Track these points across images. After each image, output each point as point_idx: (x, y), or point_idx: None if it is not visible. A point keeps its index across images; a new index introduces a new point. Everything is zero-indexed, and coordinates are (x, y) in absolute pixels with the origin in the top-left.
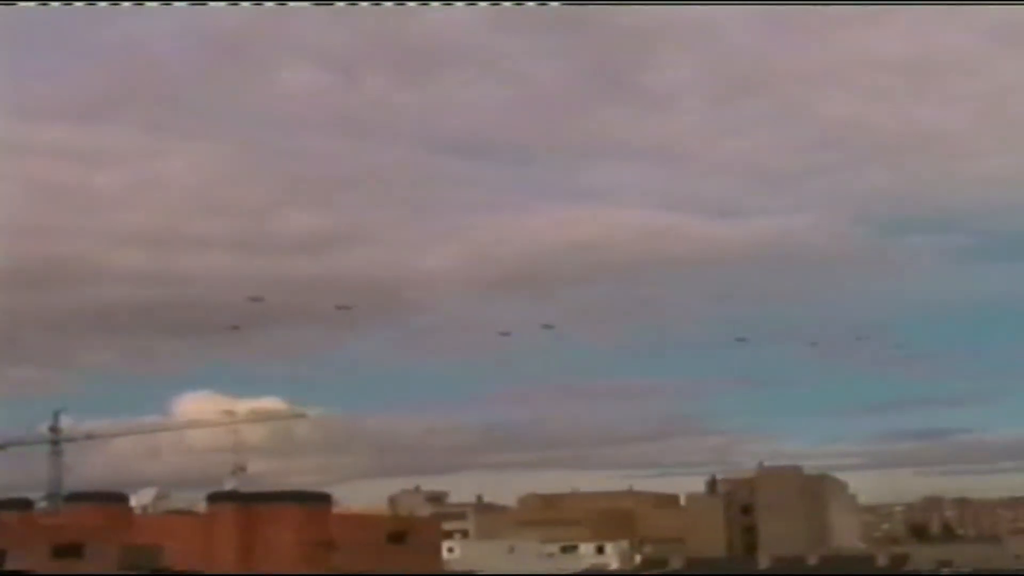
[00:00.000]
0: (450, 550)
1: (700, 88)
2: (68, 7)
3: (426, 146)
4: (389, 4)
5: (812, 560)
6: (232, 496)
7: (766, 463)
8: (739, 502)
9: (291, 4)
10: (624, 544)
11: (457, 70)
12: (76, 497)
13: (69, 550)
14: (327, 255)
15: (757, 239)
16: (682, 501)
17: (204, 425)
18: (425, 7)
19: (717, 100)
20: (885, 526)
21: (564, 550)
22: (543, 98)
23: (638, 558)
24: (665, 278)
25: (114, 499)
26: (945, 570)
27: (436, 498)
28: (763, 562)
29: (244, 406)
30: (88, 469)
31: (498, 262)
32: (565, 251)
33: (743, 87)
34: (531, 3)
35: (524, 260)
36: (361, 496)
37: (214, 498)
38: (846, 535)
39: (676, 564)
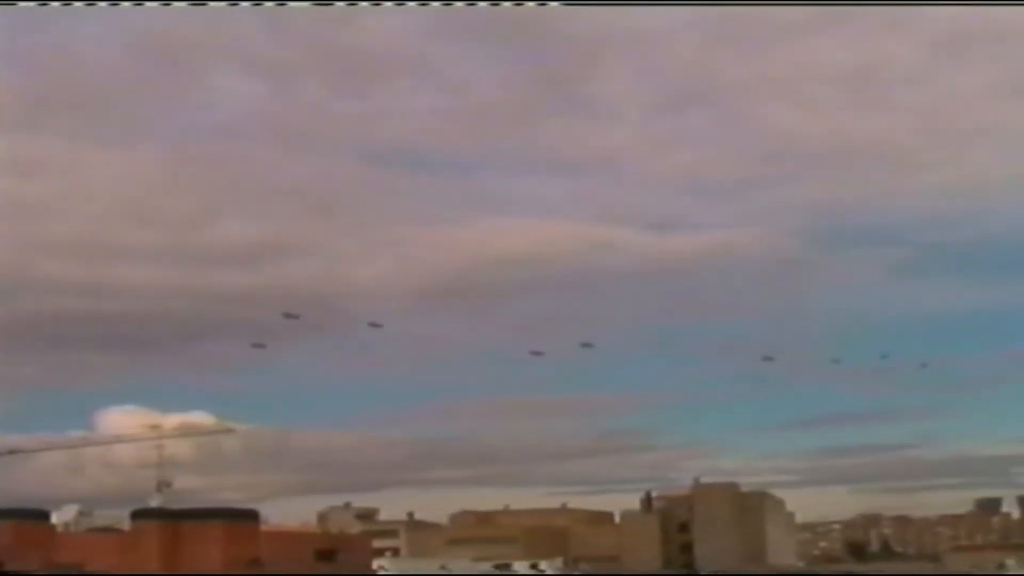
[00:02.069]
0: (381, 568)
1: (641, 98)
2: None
3: (362, 156)
4: (327, 7)
5: None
6: (157, 513)
7: (703, 479)
8: (675, 519)
9: (225, 7)
10: (558, 562)
11: (395, 79)
12: None
13: None
14: (260, 266)
15: (696, 252)
16: (617, 518)
17: (129, 440)
18: (360, 13)
19: (658, 110)
20: (823, 544)
21: (497, 568)
22: (482, 108)
23: None
24: (602, 291)
25: (35, 516)
26: None
27: (367, 515)
28: None
29: (171, 421)
30: (9, 485)
31: (434, 274)
32: (501, 263)
33: (685, 98)
34: (482, 3)
35: (460, 273)
36: (290, 513)
37: (138, 515)
38: (783, 553)
39: None
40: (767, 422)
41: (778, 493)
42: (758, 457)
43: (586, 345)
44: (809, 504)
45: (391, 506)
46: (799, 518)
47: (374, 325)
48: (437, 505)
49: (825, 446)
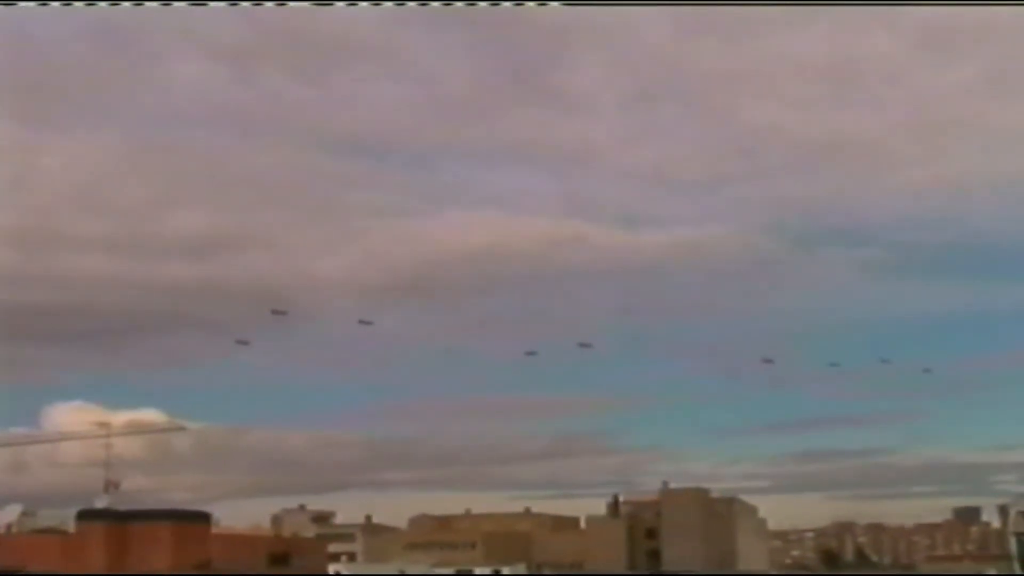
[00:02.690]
0: (336, 573)
1: (612, 91)
2: None
3: (322, 145)
4: None
5: None
6: (104, 514)
7: (671, 484)
8: (642, 525)
9: None
10: (521, 568)
11: (357, 66)
12: None
13: None
14: (215, 258)
15: (664, 249)
16: (582, 523)
17: (76, 438)
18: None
19: (629, 103)
20: (795, 552)
21: (458, 574)
22: (446, 98)
23: None
24: (567, 289)
25: None
26: None
27: (322, 518)
28: None
29: (120, 418)
30: None
31: (394, 270)
32: (464, 259)
33: (657, 90)
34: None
35: (421, 268)
36: (243, 515)
37: (84, 516)
38: (754, 560)
39: None
40: (737, 425)
41: (749, 499)
42: (728, 461)
43: (548, 343)
44: (781, 511)
45: (348, 509)
46: (771, 525)
47: (362, 322)
48: (395, 508)
49: (798, 451)
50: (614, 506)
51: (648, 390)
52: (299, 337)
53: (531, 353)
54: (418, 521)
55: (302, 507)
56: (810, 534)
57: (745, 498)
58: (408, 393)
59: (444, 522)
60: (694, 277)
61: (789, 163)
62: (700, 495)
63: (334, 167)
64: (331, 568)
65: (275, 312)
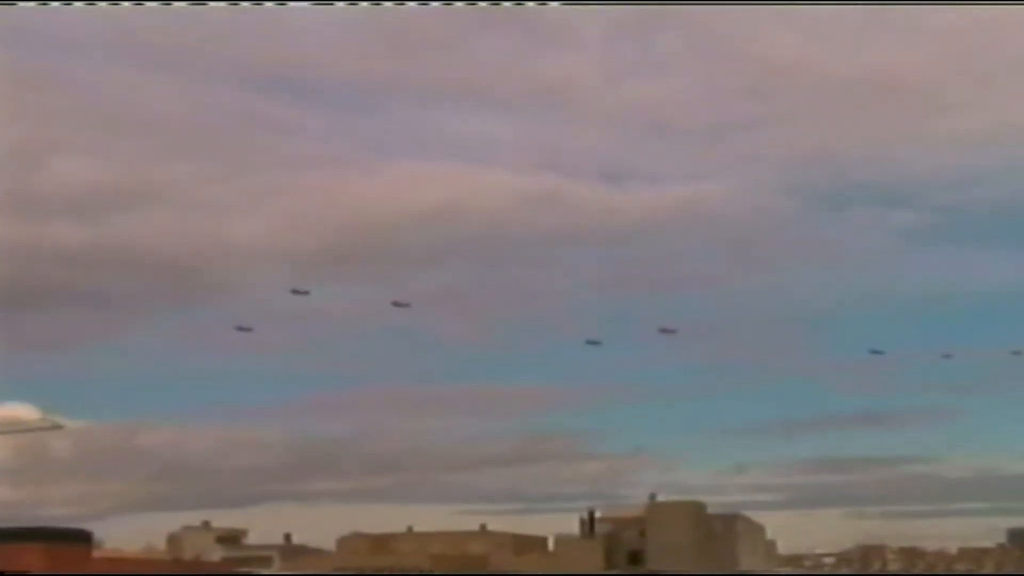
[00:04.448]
0: None
1: (598, 17)
2: None
3: (240, 81)
4: None
5: None
6: None
7: (660, 496)
8: (624, 546)
9: None
10: None
11: None
12: None
13: None
14: (106, 218)
15: (657, 211)
16: (551, 544)
17: None
18: None
19: (616, 34)
20: None
21: None
22: (395, 24)
23: None
24: (542, 257)
25: None
26: None
27: (231, 537)
28: None
29: None
30: None
31: (326, 233)
32: (415, 220)
33: (652, 18)
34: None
35: (361, 231)
36: (133, 534)
37: None
38: None
39: None
40: (743, 425)
41: (756, 515)
42: (730, 469)
43: (516, 321)
44: (794, 530)
45: (263, 525)
46: (782, 547)
47: (296, 291)
48: (322, 525)
49: (815, 457)
50: (590, 523)
51: (634, 380)
52: (207, 314)
53: (494, 335)
54: (350, 541)
55: (207, 524)
56: (830, 559)
57: (750, 514)
58: (341, 383)
59: (382, 542)
60: (693, 244)
61: (811, 107)
62: (695, 510)
63: (254, 106)
64: None
65: (177, 283)
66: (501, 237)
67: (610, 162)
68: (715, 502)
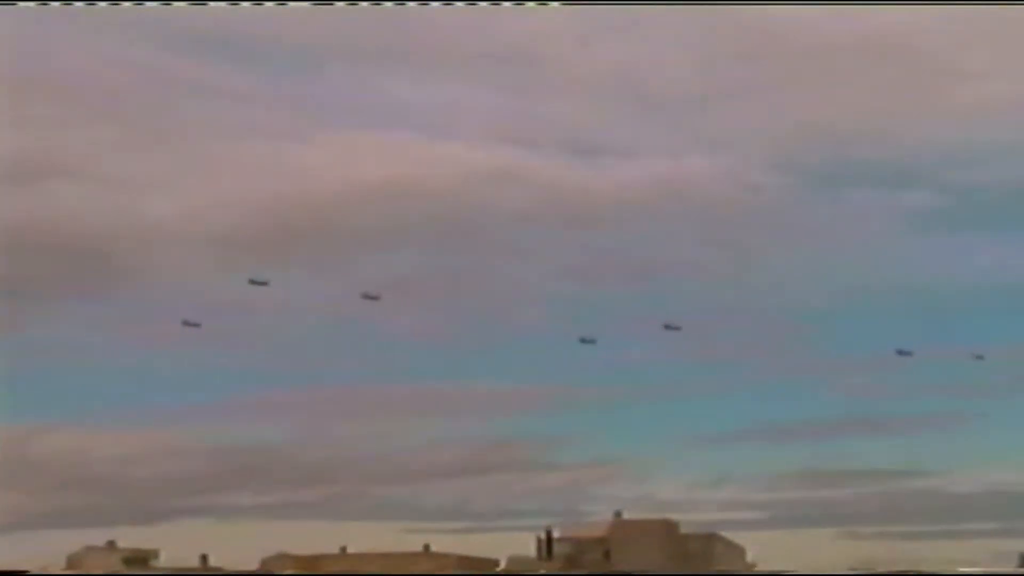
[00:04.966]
0: None
1: None
2: None
3: (160, 39)
4: None
5: None
6: None
7: (627, 513)
8: (586, 568)
9: None
10: None
11: None
12: None
13: None
14: (2, 194)
15: (636, 189)
16: (502, 565)
17: None
18: None
19: None
20: None
21: None
22: None
23: None
24: (500, 242)
25: None
26: None
27: (140, 558)
28: None
29: None
30: None
31: (259, 212)
32: (360, 198)
33: None
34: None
35: (298, 211)
36: (28, 554)
37: None
38: None
39: None
40: (722, 431)
41: (735, 535)
42: (708, 482)
43: (469, 315)
44: (780, 551)
45: (176, 545)
46: (764, 570)
47: (254, 282)
48: (243, 544)
49: (806, 468)
50: (547, 543)
51: (600, 381)
52: (119, 304)
53: (445, 329)
54: (275, 562)
55: (112, 543)
56: None
57: (729, 534)
58: (271, 383)
59: (311, 563)
60: (673, 227)
61: (809, 74)
62: (666, 528)
63: (176, 68)
64: None
65: (88, 269)
66: (456, 218)
67: (580, 135)
68: (689, 520)
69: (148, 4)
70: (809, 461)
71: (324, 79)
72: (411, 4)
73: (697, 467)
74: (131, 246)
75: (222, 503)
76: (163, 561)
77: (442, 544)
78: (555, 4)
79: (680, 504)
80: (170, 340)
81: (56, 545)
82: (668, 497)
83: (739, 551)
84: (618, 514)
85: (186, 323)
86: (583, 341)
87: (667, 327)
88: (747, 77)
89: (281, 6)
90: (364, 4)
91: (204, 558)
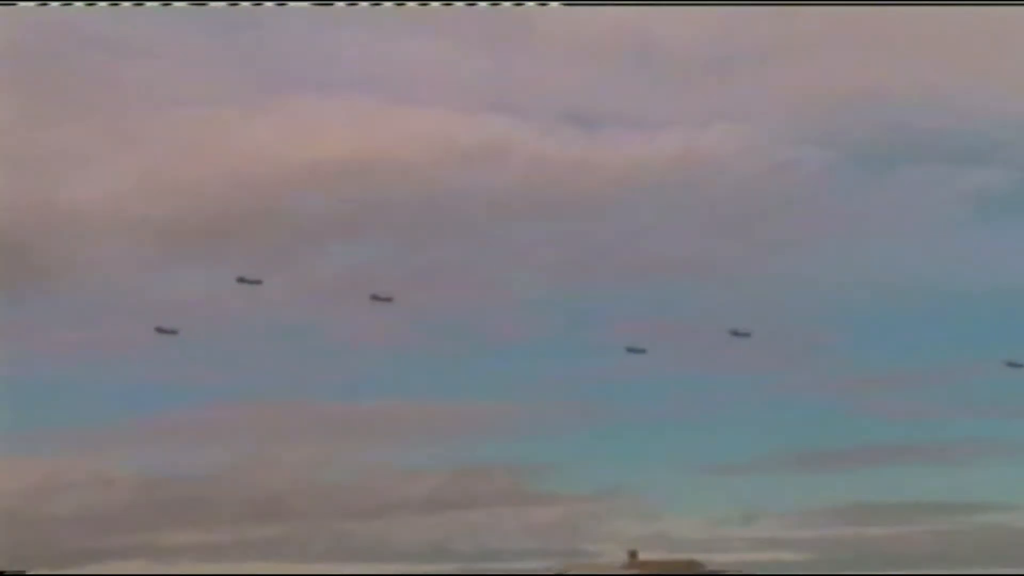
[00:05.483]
0: None
1: None
2: None
3: None
4: None
5: None
6: None
7: (641, 554)
8: None
9: None
10: None
11: None
12: None
13: None
14: None
15: (645, 167)
16: None
17: None
18: None
19: None
20: None
21: None
22: None
23: None
24: (484, 231)
25: None
26: None
27: None
28: None
29: None
30: None
31: (195, 195)
32: (315, 178)
33: None
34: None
35: (241, 192)
36: None
37: None
38: None
39: None
40: (751, 458)
41: None
42: (732, 517)
43: (448, 316)
44: None
45: None
46: None
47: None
48: None
49: (847, 502)
50: None
51: (605, 396)
52: (34, 303)
53: (418, 335)
54: None
55: None
56: None
57: None
58: (214, 398)
59: None
60: (687, 213)
61: (853, 30)
62: (691, 571)
63: (97, 26)
64: None
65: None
66: (430, 203)
67: (580, 103)
68: (714, 561)
69: None
70: (852, 493)
71: (272, 35)
72: None
73: (719, 500)
74: (48, 238)
75: (155, 542)
76: None
77: None
78: (555, 4)
79: (701, 543)
80: (92, 348)
81: None
82: (687, 534)
83: None
84: (633, 555)
85: (160, 330)
86: (631, 351)
87: (734, 333)
88: (777, 34)
89: None
90: None
91: None
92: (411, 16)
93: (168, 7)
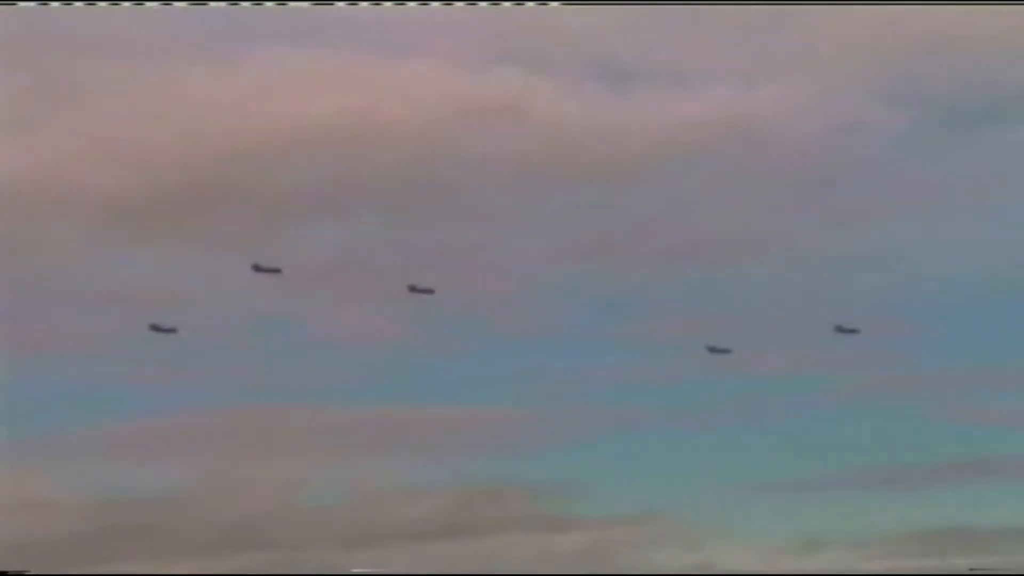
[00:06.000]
0: None
1: None
2: None
3: None
4: None
5: None
6: None
7: None
8: None
9: None
10: None
11: None
12: None
13: None
14: None
15: (686, 131)
16: None
17: None
18: None
19: None
20: None
21: None
22: None
23: None
24: (494, 204)
25: None
26: None
27: None
28: None
29: None
30: None
31: (155, 167)
32: (297, 144)
33: None
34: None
35: (212, 163)
36: None
37: None
38: None
39: None
40: (814, 475)
41: None
42: (796, 544)
43: (453, 306)
44: None
45: None
46: None
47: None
48: None
49: (938, 526)
50: None
51: (631, 400)
52: None
53: (417, 328)
54: None
55: None
56: None
57: None
58: (177, 403)
59: None
60: (730, 184)
61: None
62: None
63: None
64: None
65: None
66: (430, 172)
67: (608, 54)
68: None
69: None
70: (944, 516)
71: None
72: None
73: (779, 524)
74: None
75: (109, 569)
76: None
77: None
78: (555, 4)
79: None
80: (37, 345)
81: None
82: (738, 566)
83: None
84: None
85: (155, 328)
86: (712, 350)
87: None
88: None
89: None
90: None
91: None
92: None
93: None
